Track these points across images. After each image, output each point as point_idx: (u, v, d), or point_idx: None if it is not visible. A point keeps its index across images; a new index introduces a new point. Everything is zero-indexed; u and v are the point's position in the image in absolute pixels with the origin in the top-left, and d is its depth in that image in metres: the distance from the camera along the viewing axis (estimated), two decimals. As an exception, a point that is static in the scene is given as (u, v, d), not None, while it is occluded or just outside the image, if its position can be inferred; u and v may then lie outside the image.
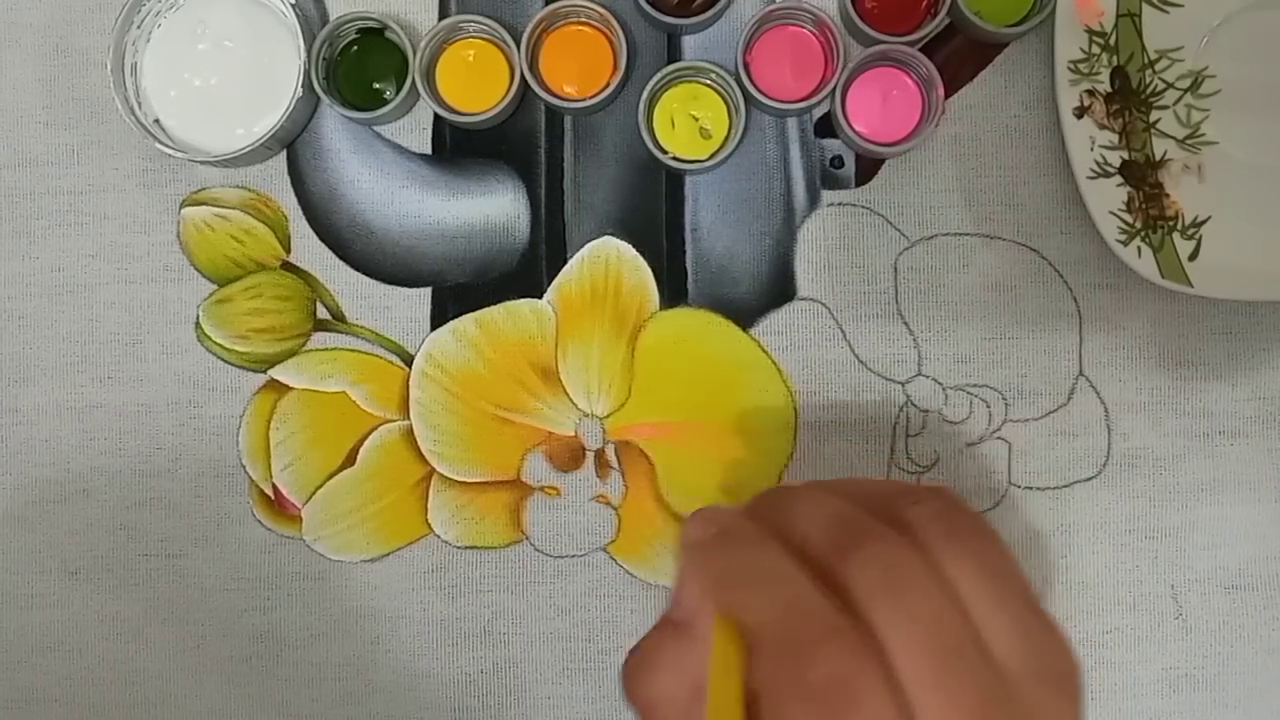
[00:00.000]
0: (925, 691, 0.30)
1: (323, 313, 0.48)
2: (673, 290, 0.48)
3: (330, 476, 0.48)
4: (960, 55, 0.48)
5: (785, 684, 0.31)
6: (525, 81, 0.46)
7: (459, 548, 0.48)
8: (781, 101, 0.46)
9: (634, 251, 0.48)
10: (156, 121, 0.48)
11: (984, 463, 0.47)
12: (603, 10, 0.46)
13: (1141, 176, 0.45)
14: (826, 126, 0.48)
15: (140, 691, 0.48)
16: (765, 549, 0.33)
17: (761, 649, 0.31)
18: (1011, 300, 0.48)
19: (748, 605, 0.32)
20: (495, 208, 0.48)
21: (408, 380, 0.48)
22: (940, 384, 0.48)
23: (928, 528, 0.33)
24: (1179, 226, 0.45)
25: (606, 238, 0.48)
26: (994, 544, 0.35)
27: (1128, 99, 0.45)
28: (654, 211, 0.48)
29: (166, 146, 0.46)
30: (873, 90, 0.46)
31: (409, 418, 0.48)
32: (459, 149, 0.49)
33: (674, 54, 0.48)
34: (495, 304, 0.48)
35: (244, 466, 0.48)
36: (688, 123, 0.47)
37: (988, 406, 0.48)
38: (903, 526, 0.33)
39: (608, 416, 0.48)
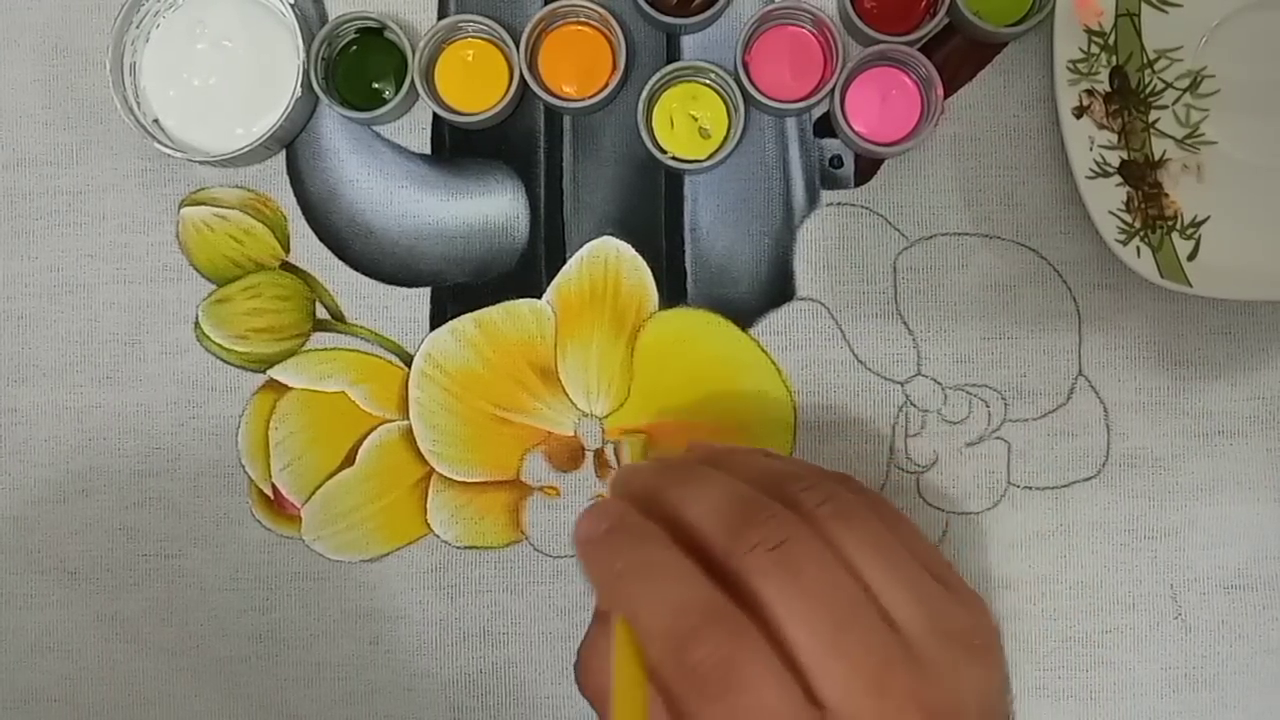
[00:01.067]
0: (823, 659, 0.30)
1: (322, 313, 0.48)
2: (672, 290, 0.48)
3: (329, 476, 0.48)
4: (959, 55, 0.48)
5: (674, 673, 0.31)
6: (524, 81, 0.46)
7: (458, 548, 0.48)
8: (781, 101, 0.46)
9: (633, 251, 0.48)
10: (156, 121, 0.48)
11: (983, 463, 0.47)
12: (602, 10, 0.46)
13: (1141, 176, 0.45)
14: (826, 126, 0.48)
15: (139, 691, 0.48)
16: (651, 543, 0.34)
17: (652, 645, 0.32)
18: (1011, 300, 0.48)
19: (636, 599, 0.33)
20: (494, 208, 0.48)
21: (407, 380, 0.48)
22: (939, 384, 0.48)
23: (818, 509, 0.34)
24: (1178, 226, 0.45)
25: (606, 238, 0.48)
26: (889, 521, 0.35)
27: (1127, 99, 0.45)
28: (653, 211, 0.48)
29: (165, 146, 0.46)
30: (872, 90, 0.46)
31: (408, 418, 0.48)
32: (458, 149, 0.49)
33: (673, 54, 0.48)
34: (494, 304, 0.48)
35: (243, 466, 0.48)
36: (687, 122, 0.47)
37: (987, 406, 0.48)
38: (793, 505, 0.34)
39: (607, 416, 0.48)
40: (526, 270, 0.48)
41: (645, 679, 0.32)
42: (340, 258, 0.48)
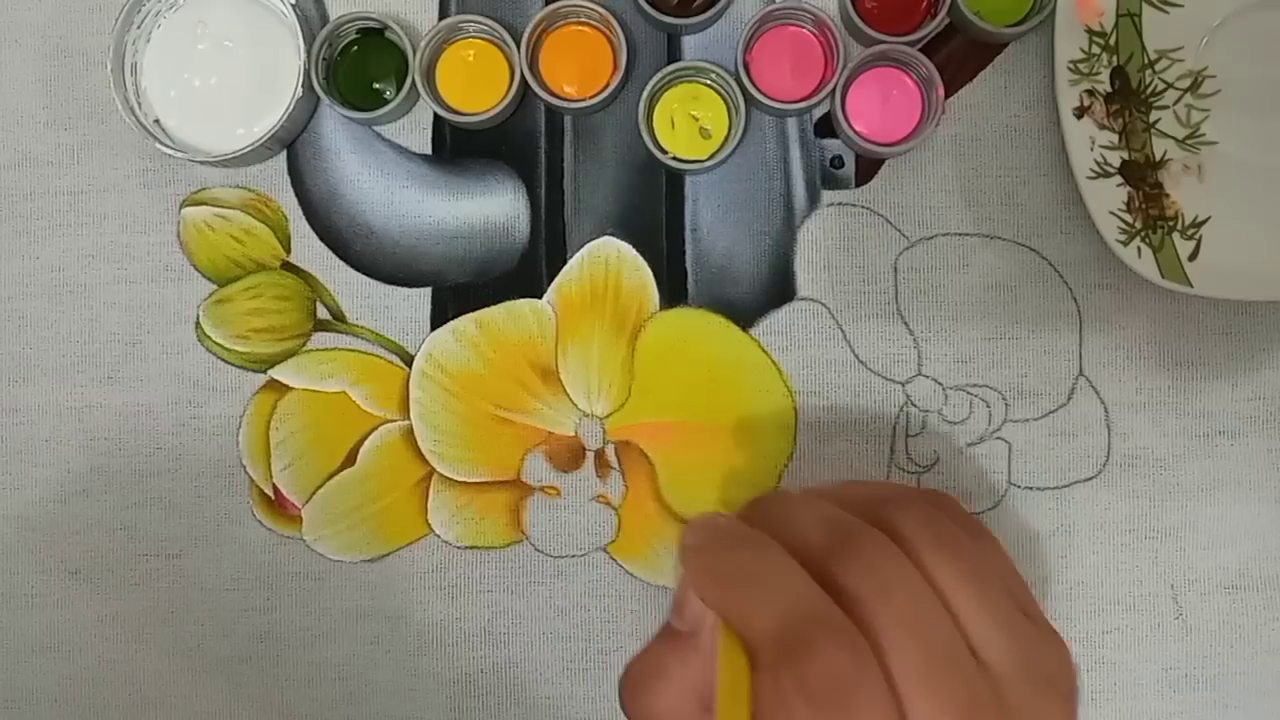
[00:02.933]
0: (915, 694, 0.30)
1: (323, 313, 0.48)
2: (672, 290, 0.48)
3: (330, 476, 0.48)
4: (960, 55, 0.48)
5: (786, 682, 0.30)
6: (525, 81, 0.46)
7: (459, 548, 0.48)
8: (781, 101, 0.46)
9: (634, 251, 0.48)
10: (156, 121, 0.48)
11: (984, 463, 0.48)
12: (603, 10, 0.46)
13: (1141, 176, 0.45)
14: (826, 126, 0.48)
15: (140, 691, 0.48)
16: (765, 549, 0.33)
17: (763, 650, 0.31)
18: (1011, 300, 0.48)
19: (749, 605, 0.32)
20: (495, 208, 0.48)
21: (408, 380, 0.48)
22: (940, 384, 0.48)
23: (914, 533, 0.33)
24: (1179, 226, 0.45)
25: (606, 238, 0.48)
26: (983, 548, 0.35)
27: (1128, 99, 0.46)
28: (654, 212, 0.48)
29: (166, 146, 0.46)
30: (873, 90, 0.46)
31: (409, 418, 0.48)
32: (459, 149, 0.49)
33: (674, 54, 0.48)
34: (495, 304, 0.48)
35: (244, 466, 0.48)
36: (688, 123, 0.47)
37: (988, 406, 0.48)
38: (891, 531, 0.33)
39: (608, 416, 0.48)
40: (527, 270, 0.48)
41: (750, 696, 0.31)
42: (341, 258, 0.48)
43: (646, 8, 0.46)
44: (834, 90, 0.46)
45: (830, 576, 0.32)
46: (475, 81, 0.47)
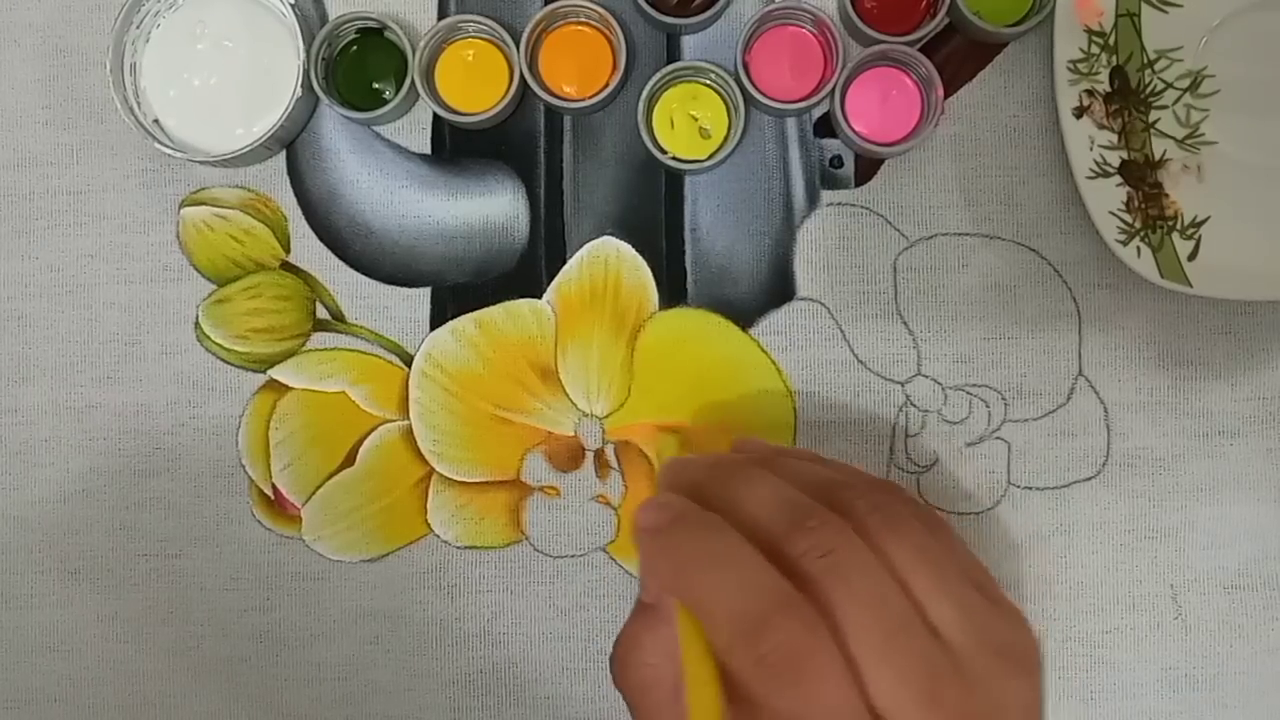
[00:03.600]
0: (875, 667, 0.31)
1: (322, 313, 0.48)
2: (672, 290, 0.48)
3: (330, 476, 0.48)
4: (960, 55, 0.48)
5: (743, 659, 0.31)
6: (524, 81, 0.46)
7: (458, 548, 0.48)
8: (781, 101, 0.46)
9: (633, 251, 0.48)
10: (156, 121, 0.48)
11: (983, 463, 0.47)
12: (602, 10, 0.46)
13: (1141, 176, 0.45)
14: (826, 126, 0.48)
15: (140, 691, 0.48)
16: (717, 531, 0.34)
17: (719, 630, 0.32)
18: (1011, 300, 0.48)
19: (704, 587, 0.33)
20: (495, 208, 0.48)
21: (407, 380, 0.48)
22: (940, 384, 0.48)
23: (868, 515, 0.34)
24: (1178, 226, 0.45)
25: (606, 238, 0.48)
26: (935, 531, 0.35)
27: (1127, 99, 0.45)
28: (653, 211, 0.48)
29: (166, 146, 0.46)
30: (872, 90, 0.46)
31: (408, 418, 0.48)
32: (458, 149, 0.49)
33: (673, 54, 0.48)
34: (495, 304, 0.48)
35: (243, 466, 0.48)
36: (687, 123, 0.47)
37: (987, 406, 0.48)
38: (843, 513, 0.34)
39: (607, 416, 0.48)
40: (527, 270, 0.48)
41: (716, 666, 0.32)
42: (340, 258, 0.48)
43: (646, 8, 0.46)
44: (833, 90, 0.46)
45: (784, 556, 0.33)
46: (475, 81, 0.47)
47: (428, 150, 0.49)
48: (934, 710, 0.31)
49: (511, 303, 0.48)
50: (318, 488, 0.48)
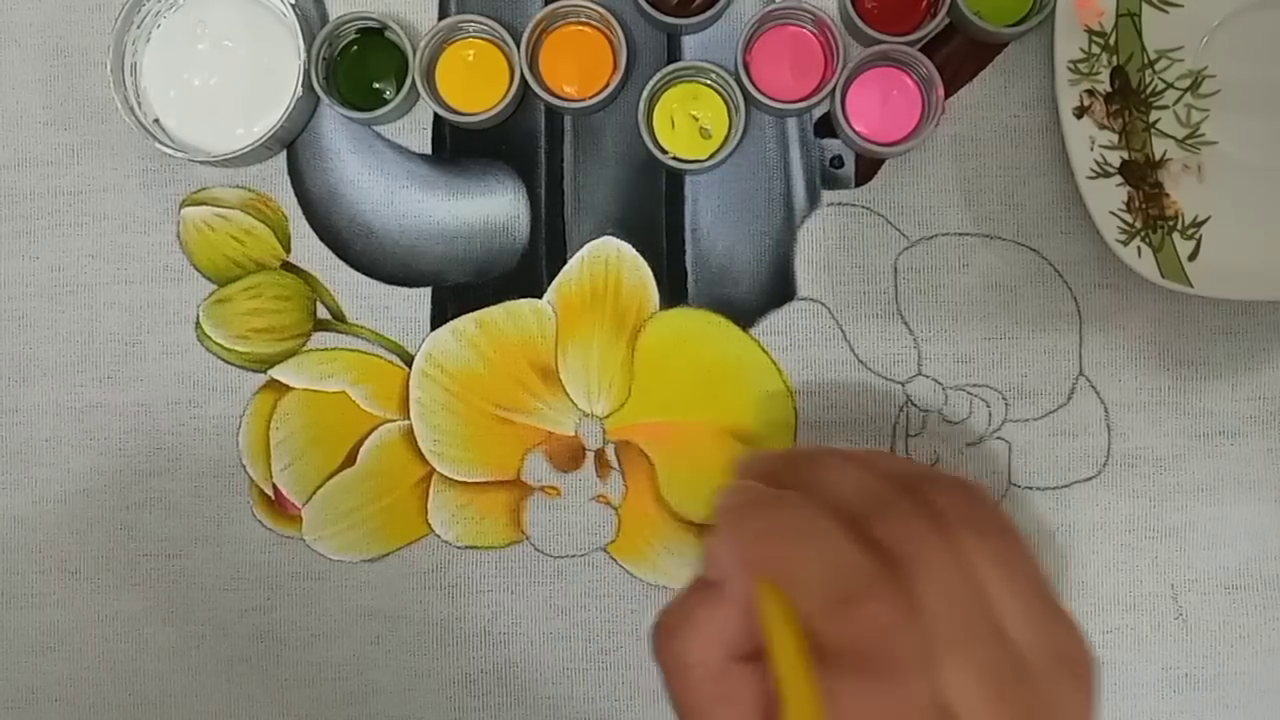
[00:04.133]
0: (949, 659, 0.31)
1: (323, 313, 0.48)
2: (673, 290, 0.48)
3: (330, 476, 0.48)
4: (960, 55, 0.48)
5: (830, 636, 0.31)
6: (525, 81, 0.46)
7: (459, 548, 0.48)
8: (781, 101, 0.46)
9: (634, 251, 0.48)
10: (156, 121, 0.48)
11: (984, 463, 0.47)
12: (603, 10, 0.46)
13: (1141, 176, 0.45)
14: (826, 126, 0.48)
15: (140, 691, 0.48)
16: (805, 508, 0.34)
17: (807, 602, 0.32)
18: (1011, 300, 0.48)
19: (790, 561, 0.33)
20: (495, 208, 0.48)
21: (408, 380, 0.48)
22: (940, 384, 0.48)
23: (948, 513, 0.34)
24: (1179, 226, 0.45)
25: (606, 238, 0.48)
26: (1010, 535, 0.35)
27: (1127, 99, 0.46)
28: (654, 211, 0.48)
29: (166, 146, 0.46)
30: (873, 90, 0.46)
31: (409, 417, 0.48)
32: (459, 149, 0.49)
33: (674, 54, 0.48)
34: (495, 304, 0.48)
35: (244, 466, 0.48)
36: (688, 122, 0.47)
37: (988, 406, 0.48)
38: (925, 506, 0.34)
39: (608, 416, 0.48)
40: (527, 270, 0.48)
41: (800, 636, 0.32)
42: (341, 258, 0.48)
43: (646, 8, 0.46)
44: (834, 90, 0.46)
45: (867, 539, 0.33)
46: (475, 81, 0.47)
47: (428, 150, 0.49)
48: (999, 709, 0.31)
49: (512, 303, 0.48)
50: (318, 488, 0.48)
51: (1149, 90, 0.46)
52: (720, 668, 0.35)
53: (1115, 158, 0.45)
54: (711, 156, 0.46)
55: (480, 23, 0.46)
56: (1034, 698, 0.32)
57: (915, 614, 0.31)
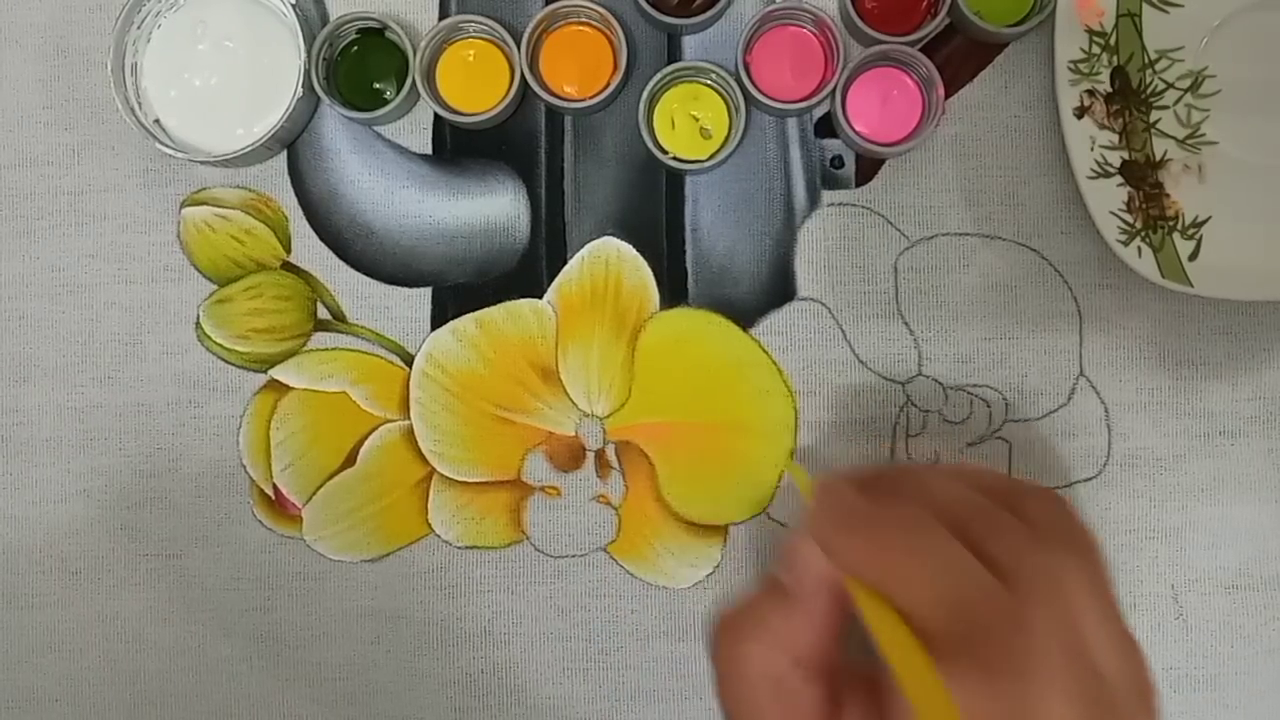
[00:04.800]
0: (1049, 684, 0.31)
1: (323, 313, 0.48)
2: (673, 290, 0.48)
3: (330, 476, 0.48)
4: (960, 55, 0.48)
5: (947, 637, 0.31)
6: (525, 82, 0.46)
7: (459, 548, 0.48)
8: (781, 101, 0.46)
9: (634, 251, 0.48)
10: (157, 121, 0.48)
11: (984, 463, 0.47)
12: (603, 10, 0.46)
13: (1142, 176, 0.45)
14: (826, 126, 0.48)
15: (140, 691, 0.48)
16: (921, 516, 0.34)
17: (920, 607, 0.32)
18: (1011, 300, 0.48)
19: (906, 565, 0.33)
20: (495, 208, 0.48)
21: (408, 380, 0.48)
22: (940, 384, 0.48)
23: (1042, 526, 0.35)
24: (1179, 226, 0.45)
25: (607, 238, 0.48)
26: (1095, 553, 0.36)
27: (1128, 99, 0.46)
28: (654, 212, 0.48)
29: (167, 146, 0.46)
30: (873, 90, 0.46)
31: (409, 418, 0.48)
32: (459, 149, 0.49)
33: (674, 54, 0.48)
34: (495, 304, 0.48)
35: (244, 466, 0.48)
36: (688, 123, 0.47)
37: (988, 406, 0.48)
38: (1023, 520, 0.35)
39: (608, 416, 0.48)
40: (527, 270, 0.48)
41: (915, 642, 0.32)
42: (341, 258, 0.48)
43: (646, 8, 0.46)
44: (834, 90, 0.46)
45: (977, 550, 0.33)
46: (475, 81, 0.47)
47: (428, 150, 0.49)
48: (1129, 665, 0.32)
49: (512, 303, 0.48)
50: (318, 488, 0.48)
51: (1149, 90, 0.46)
52: (784, 678, 0.35)
53: (1115, 158, 0.45)
54: (712, 157, 0.46)
55: (480, 23, 0.46)
56: None
57: (1026, 630, 0.32)
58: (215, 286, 0.49)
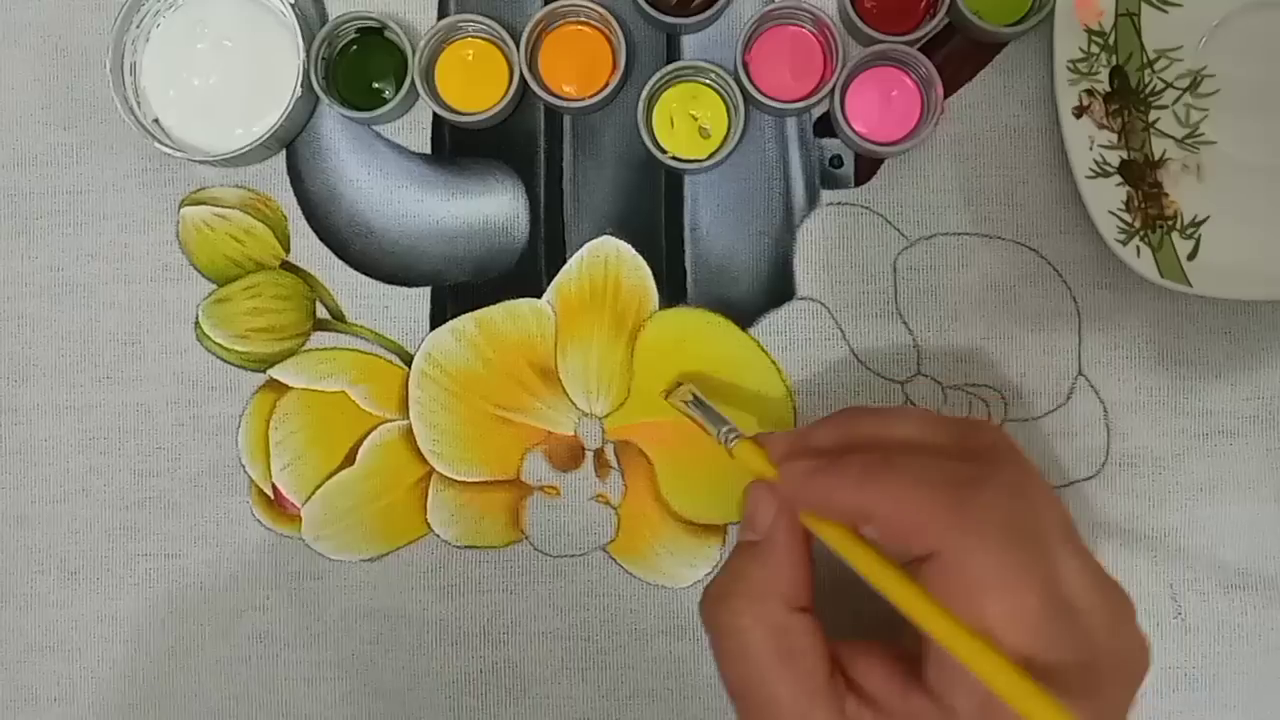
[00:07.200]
0: (1065, 548, 0.35)
1: (322, 312, 0.48)
2: (672, 290, 0.48)
3: (330, 476, 0.48)
4: (960, 55, 0.48)
5: (950, 523, 0.34)
6: (524, 81, 0.46)
7: (458, 547, 0.48)
8: (781, 101, 0.46)
9: (633, 251, 0.48)
10: (156, 121, 0.48)
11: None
12: (602, 10, 0.46)
13: (1140, 176, 0.45)
14: (826, 126, 0.48)
15: (139, 691, 0.48)
16: (887, 456, 0.37)
17: (908, 515, 0.35)
18: (1010, 300, 0.48)
19: (889, 484, 0.35)
20: (494, 207, 0.48)
21: (407, 380, 0.48)
22: (939, 383, 0.48)
23: (994, 445, 0.38)
24: (1178, 226, 0.45)
25: (606, 237, 0.48)
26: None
27: (1127, 98, 0.46)
28: (653, 211, 0.48)
29: (166, 146, 0.46)
30: (872, 90, 0.46)
31: (408, 417, 0.48)
32: (458, 149, 0.49)
33: (673, 54, 0.48)
34: (494, 304, 0.48)
35: (243, 466, 0.48)
36: (687, 122, 0.47)
37: (987, 406, 0.48)
38: (981, 453, 0.37)
39: (607, 416, 0.48)
40: (526, 270, 0.48)
41: (872, 550, 0.35)
42: (340, 257, 0.48)
43: (646, 7, 0.46)
44: (833, 90, 0.46)
45: (952, 456, 0.37)
46: (474, 81, 0.47)
47: (428, 150, 0.49)
48: (1102, 596, 0.35)
49: (511, 302, 0.48)
50: (318, 487, 0.48)
51: (1148, 90, 0.46)
52: (778, 622, 0.36)
53: (1114, 157, 0.45)
54: (711, 156, 0.46)
55: (479, 22, 0.46)
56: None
57: (1029, 502, 0.35)
58: (214, 286, 0.49)
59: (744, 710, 0.36)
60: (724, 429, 0.42)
